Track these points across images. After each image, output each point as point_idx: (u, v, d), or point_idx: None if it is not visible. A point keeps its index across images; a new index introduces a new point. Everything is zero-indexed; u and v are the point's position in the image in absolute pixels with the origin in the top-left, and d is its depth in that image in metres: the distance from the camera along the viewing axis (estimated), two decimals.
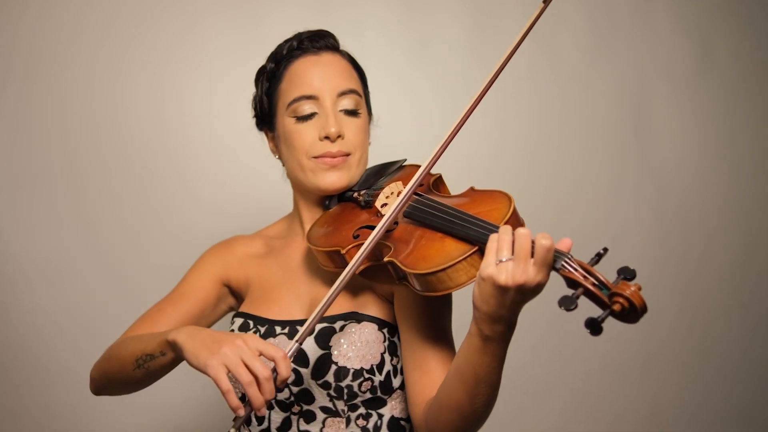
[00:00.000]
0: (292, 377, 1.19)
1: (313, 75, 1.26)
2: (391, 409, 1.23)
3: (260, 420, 1.25)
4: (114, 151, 2.07)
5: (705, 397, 2.88)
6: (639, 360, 2.74)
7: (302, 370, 1.19)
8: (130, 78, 2.09)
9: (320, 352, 1.19)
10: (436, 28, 2.47)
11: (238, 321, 1.31)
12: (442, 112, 2.43)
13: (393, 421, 1.23)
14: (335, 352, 1.18)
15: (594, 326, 0.86)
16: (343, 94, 1.27)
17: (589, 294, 0.89)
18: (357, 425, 1.21)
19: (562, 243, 0.94)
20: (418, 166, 1.27)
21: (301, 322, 1.23)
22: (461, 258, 0.99)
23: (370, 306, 1.23)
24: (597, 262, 0.93)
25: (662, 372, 2.80)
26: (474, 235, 1.00)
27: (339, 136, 1.24)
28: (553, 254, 0.91)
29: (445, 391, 1.06)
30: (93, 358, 1.36)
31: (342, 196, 1.31)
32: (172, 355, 1.14)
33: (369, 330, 1.20)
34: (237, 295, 1.42)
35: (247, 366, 1.00)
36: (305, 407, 1.22)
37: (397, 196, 1.19)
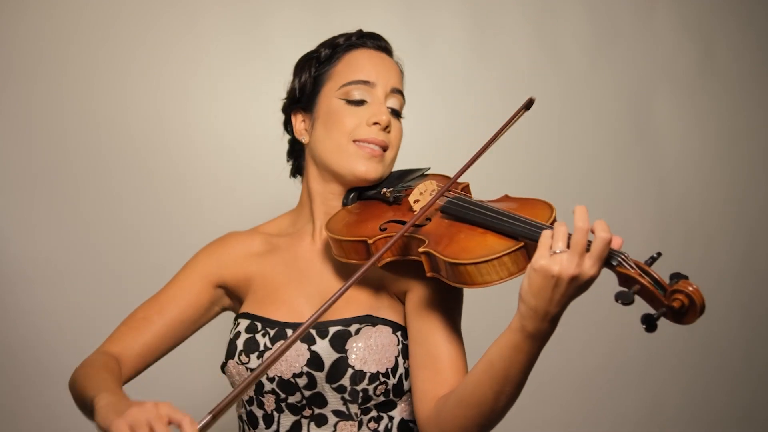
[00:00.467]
0: (305, 381, 1.17)
1: (374, 64, 1.30)
2: (401, 411, 1.22)
3: (269, 423, 1.22)
4: (114, 151, 2.07)
5: (705, 397, 2.88)
6: (639, 360, 2.74)
7: (316, 374, 1.17)
8: (130, 78, 2.09)
9: (336, 355, 1.16)
10: (436, 28, 2.47)
11: (244, 322, 1.26)
12: (442, 112, 2.43)
13: (403, 423, 1.22)
14: (352, 356, 1.16)
15: (650, 322, 0.88)
16: (395, 91, 1.30)
17: (644, 291, 0.92)
18: (368, 428, 1.20)
19: (613, 241, 0.96)
20: (442, 175, 1.31)
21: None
22: (506, 252, 1.00)
23: (385, 309, 1.22)
24: (651, 264, 0.95)
25: (663, 372, 2.80)
26: (521, 232, 1.02)
27: (387, 127, 1.26)
28: (609, 251, 0.93)
29: (470, 387, 1.05)
30: None
31: (363, 195, 1.31)
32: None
33: (384, 333, 1.19)
34: (234, 295, 1.37)
35: (152, 429, 0.92)
36: (317, 411, 1.19)
37: (430, 194, 1.21)
